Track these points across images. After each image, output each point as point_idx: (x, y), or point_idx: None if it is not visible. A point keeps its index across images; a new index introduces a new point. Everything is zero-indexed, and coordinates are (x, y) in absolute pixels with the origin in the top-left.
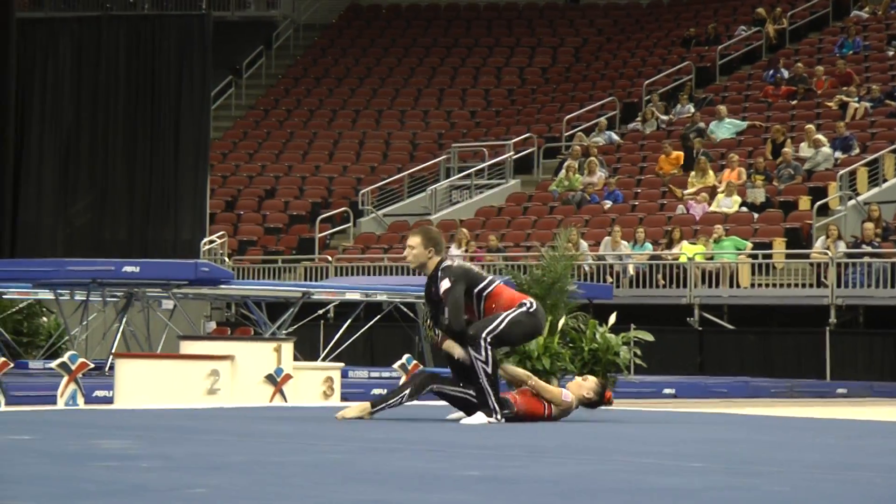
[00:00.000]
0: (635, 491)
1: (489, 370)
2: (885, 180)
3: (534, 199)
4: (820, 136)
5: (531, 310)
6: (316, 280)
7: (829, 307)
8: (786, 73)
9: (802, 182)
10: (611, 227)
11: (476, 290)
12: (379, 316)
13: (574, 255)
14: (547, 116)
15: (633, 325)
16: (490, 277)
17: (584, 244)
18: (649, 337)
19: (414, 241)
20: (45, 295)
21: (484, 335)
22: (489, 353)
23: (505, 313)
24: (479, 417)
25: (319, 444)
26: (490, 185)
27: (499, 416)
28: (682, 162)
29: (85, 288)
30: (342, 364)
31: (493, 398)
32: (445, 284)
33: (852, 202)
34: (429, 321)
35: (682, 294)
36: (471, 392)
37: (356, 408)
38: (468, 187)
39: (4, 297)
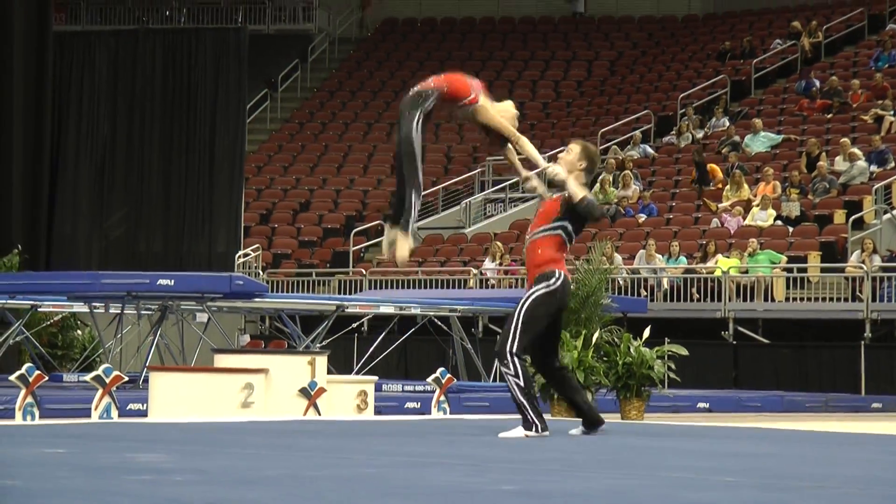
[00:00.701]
0: None
1: (521, 383)
2: None
3: None
4: (855, 150)
5: (549, 291)
6: (350, 293)
7: (865, 321)
8: (817, 83)
9: (837, 196)
10: (645, 240)
11: (569, 226)
12: (413, 329)
13: (608, 268)
14: (582, 130)
15: (667, 339)
16: (572, 239)
17: (618, 257)
18: (683, 351)
19: (575, 148)
20: (80, 308)
21: (508, 348)
22: (517, 366)
23: (521, 309)
24: (517, 431)
25: (353, 457)
26: (524, 199)
27: (539, 430)
28: (719, 175)
29: (119, 301)
30: (376, 377)
31: (530, 411)
32: (575, 186)
33: (888, 216)
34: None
35: (717, 308)
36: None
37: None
38: (502, 200)
39: (39, 309)
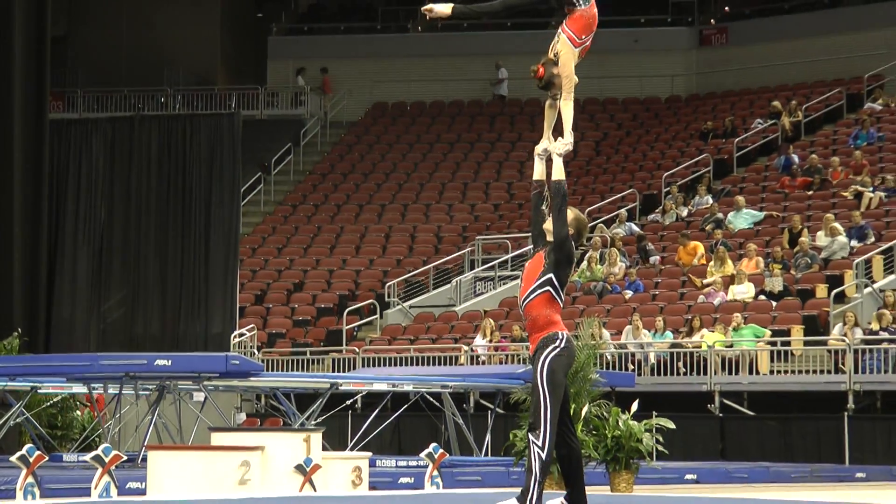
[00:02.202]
0: None
1: (544, 456)
2: None
3: None
4: (836, 225)
5: (559, 351)
6: (343, 371)
7: (847, 393)
8: (796, 159)
9: (819, 270)
10: (632, 316)
11: (554, 277)
12: (405, 406)
13: (596, 344)
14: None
15: (654, 413)
16: (560, 291)
17: (606, 333)
18: (671, 424)
19: (569, 214)
20: (79, 389)
21: (544, 419)
22: (549, 438)
23: (541, 378)
24: (512, 503)
25: None
26: (513, 277)
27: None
28: (699, 251)
29: (118, 382)
30: (370, 453)
31: (537, 486)
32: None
33: (868, 289)
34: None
35: (703, 381)
36: None
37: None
38: (492, 279)
39: (39, 391)
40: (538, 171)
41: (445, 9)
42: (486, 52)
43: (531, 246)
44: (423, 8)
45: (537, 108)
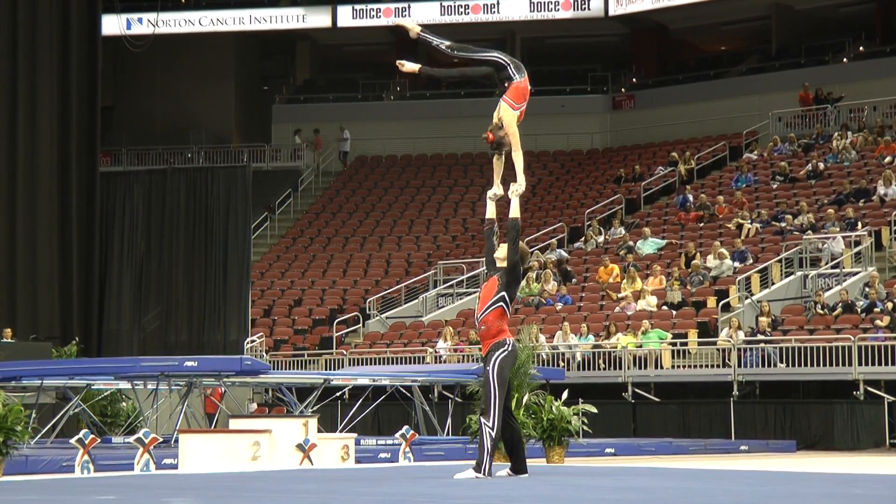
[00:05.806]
0: None
1: (494, 435)
2: (773, 283)
3: None
4: (723, 250)
5: (506, 354)
6: (334, 369)
7: (733, 382)
8: (690, 198)
9: (709, 286)
10: (562, 323)
11: (506, 295)
12: (383, 396)
13: (534, 345)
14: None
15: (580, 400)
16: (510, 304)
17: (542, 337)
18: (593, 409)
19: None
20: (125, 385)
21: (492, 406)
22: (497, 421)
23: (492, 375)
24: (469, 473)
25: (339, 498)
26: (469, 293)
27: (486, 473)
28: (614, 271)
29: (155, 379)
30: (355, 434)
31: (489, 458)
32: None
33: (748, 301)
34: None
35: (618, 374)
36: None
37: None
38: (451, 295)
39: (92, 387)
40: (490, 211)
41: (414, 66)
42: (444, 115)
43: (485, 269)
44: (397, 61)
45: (485, 158)
